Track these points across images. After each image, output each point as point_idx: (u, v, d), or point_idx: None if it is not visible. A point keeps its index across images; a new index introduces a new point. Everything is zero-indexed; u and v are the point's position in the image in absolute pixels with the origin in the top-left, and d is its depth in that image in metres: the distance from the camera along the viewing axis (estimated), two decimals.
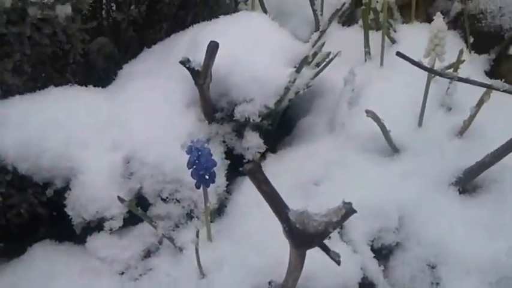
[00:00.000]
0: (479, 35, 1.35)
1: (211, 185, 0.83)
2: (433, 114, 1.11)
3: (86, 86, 1.11)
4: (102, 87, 1.20)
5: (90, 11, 1.32)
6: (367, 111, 0.96)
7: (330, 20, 1.12)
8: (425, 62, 1.00)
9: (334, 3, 1.44)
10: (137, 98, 1.04)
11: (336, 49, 1.36)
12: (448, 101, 1.12)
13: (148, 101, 1.03)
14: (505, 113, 1.12)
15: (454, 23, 1.40)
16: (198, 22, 1.35)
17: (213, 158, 0.81)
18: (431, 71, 0.96)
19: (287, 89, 0.98)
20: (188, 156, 0.80)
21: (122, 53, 1.40)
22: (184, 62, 0.96)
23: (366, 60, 1.28)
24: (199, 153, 0.79)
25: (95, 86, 1.13)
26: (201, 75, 0.95)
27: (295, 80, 0.98)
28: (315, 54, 1.06)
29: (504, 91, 0.88)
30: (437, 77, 1.18)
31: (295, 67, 1.00)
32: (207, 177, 0.81)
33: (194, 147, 0.79)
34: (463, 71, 1.23)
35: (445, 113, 1.12)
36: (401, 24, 1.39)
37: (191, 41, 1.08)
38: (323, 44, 1.12)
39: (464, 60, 1.15)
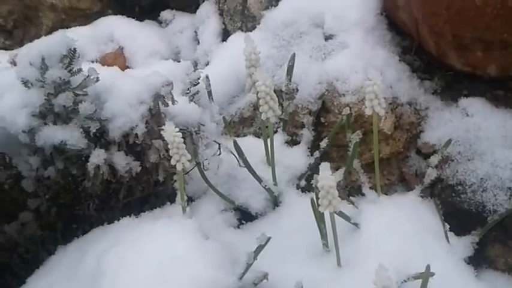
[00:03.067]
0: (459, 213, 1.14)
1: None
2: None
3: None
4: None
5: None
6: None
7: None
8: None
9: (288, 164, 1.28)
10: None
11: (292, 228, 1.18)
12: None
13: None
14: None
15: (430, 191, 1.20)
16: (133, 196, 1.19)
17: None
18: None
19: None
20: None
21: (48, 232, 1.23)
22: None
23: (323, 254, 1.07)
24: None
25: None
26: None
27: None
28: None
29: None
30: (405, 284, 0.99)
31: None
32: None
33: None
34: (439, 259, 1.04)
35: None
36: (365, 198, 1.19)
37: (97, 265, 0.89)
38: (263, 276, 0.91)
39: (434, 274, 0.94)
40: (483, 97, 1.26)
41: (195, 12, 1.84)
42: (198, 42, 1.74)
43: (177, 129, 0.93)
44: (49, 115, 0.95)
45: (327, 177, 0.89)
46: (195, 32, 1.79)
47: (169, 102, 1.05)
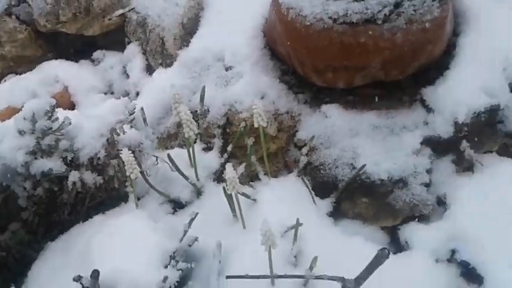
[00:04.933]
0: (321, 183, 1.70)
1: None
2: (282, 272, 1.42)
3: None
4: None
5: None
6: None
7: None
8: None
9: (205, 164, 1.79)
10: None
11: (212, 208, 1.70)
12: (292, 260, 1.46)
13: None
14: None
15: (304, 171, 1.76)
16: (95, 201, 1.65)
17: None
18: (260, 277, 1.28)
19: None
20: None
21: (33, 236, 1.65)
22: (77, 280, 1.24)
23: (233, 222, 1.60)
24: None
25: None
26: None
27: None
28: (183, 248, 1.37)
29: (316, 278, 1.22)
30: (287, 233, 1.54)
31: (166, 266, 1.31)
32: None
33: None
34: (310, 216, 1.60)
35: (292, 269, 1.45)
36: (261, 181, 1.73)
37: (85, 246, 1.37)
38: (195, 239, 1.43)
39: (302, 224, 1.50)
40: (337, 103, 1.83)
41: (121, 50, 2.29)
42: (128, 76, 2.20)
43: (130, 151, 1.41)
44: (38, 152, 1.40)
45: (231, 171, 1.40)
46: (124, 67, 2.24)
47: (121, 133, 1.53)
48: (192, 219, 1.44)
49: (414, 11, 1.57)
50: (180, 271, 1.32)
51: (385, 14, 1.57)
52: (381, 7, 1.57)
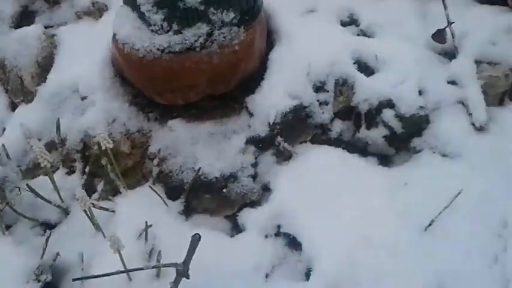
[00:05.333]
0: (172, 188, 2.01)
1: None
2: None
3: None
4: None
5: None
6: None
7: None
8: None
9: (68, 186, 2.02)
10: None
11: (78, 224, 1.94)
12: (146, 257, 1.75)
13: None
14: None
15: (158, 179, 2.05)
16: None
17: None
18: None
19: None
20: None
21: None
22: None
23: (95, 234, 1.86)
24: None
25: None
26: None
27: None
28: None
29: (153, 268, 1.51)
30: (142, 235, 1.82)
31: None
32: None
33: None
34: (163, 217, 1.90)
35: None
36: (121, 194, 2.00)
37: None
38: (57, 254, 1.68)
39: (151, 225, 1.79)
40: (182, 117, 2.13)
41: None
42: None
43: None
44: None
45: (80, 191, 1.66)
46: None
47: None
48: (48, 237, 1.68)
49: (224, 37, 1.90)
50: (41, 283, 1.56)
51: (201, 43, 1.89)
52: (196, 37, 1.89)
